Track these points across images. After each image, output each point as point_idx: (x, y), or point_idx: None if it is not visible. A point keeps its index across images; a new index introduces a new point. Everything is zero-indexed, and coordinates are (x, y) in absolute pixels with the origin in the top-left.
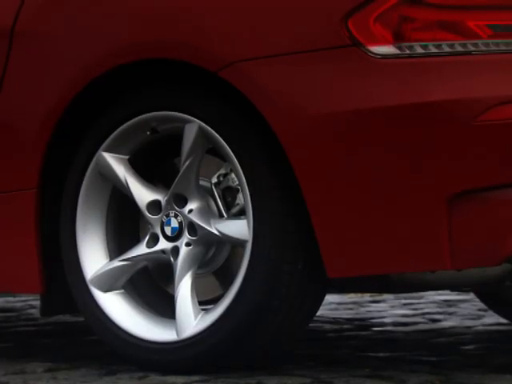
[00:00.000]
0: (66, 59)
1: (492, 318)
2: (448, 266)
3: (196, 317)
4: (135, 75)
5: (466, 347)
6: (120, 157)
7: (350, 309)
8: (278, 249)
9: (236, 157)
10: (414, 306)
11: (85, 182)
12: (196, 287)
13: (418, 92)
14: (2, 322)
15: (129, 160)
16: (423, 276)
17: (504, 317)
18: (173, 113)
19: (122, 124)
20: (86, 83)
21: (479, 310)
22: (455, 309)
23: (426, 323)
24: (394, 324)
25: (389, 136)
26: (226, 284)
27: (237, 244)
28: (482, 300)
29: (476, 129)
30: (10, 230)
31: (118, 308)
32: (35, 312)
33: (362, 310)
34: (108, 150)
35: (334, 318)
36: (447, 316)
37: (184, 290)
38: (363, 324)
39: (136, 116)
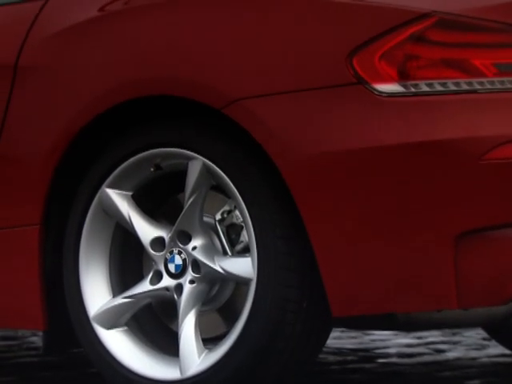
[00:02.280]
0: (70, 95)
1: (497, 349)
2: (455, 306)
3: (200, 355)
4: (139, 111)
5: (471, 382)
6: (123, 193)
7: (354, 337)
8: (283, 287)
9: (240, 194)
10: (418, 335)
11: (88, 219)
12: (200, 324)
13: (423, 130)
14: (3, 353)
15: (132, 196)
16: (429, 315)
17: (508, 347)
18: (177, 149)
19: (126, 160)
20: (90, 119)
21: (483, 339)
22: (459, 337)
23: (431, 354)
24: (399, 355)
25: (394, 175)
26: (230, 321)
27: (241, 282)
28: (486, 329)
29: (482, 167)
30: (12, 265)
31: (121, 345)
32: (37, 340)
33: (366, 338)
34: (111, 186)
35: (337, 349)
36: (452, 346)
37: (188, 327)
38: (367, 355)
39: (139, 152)
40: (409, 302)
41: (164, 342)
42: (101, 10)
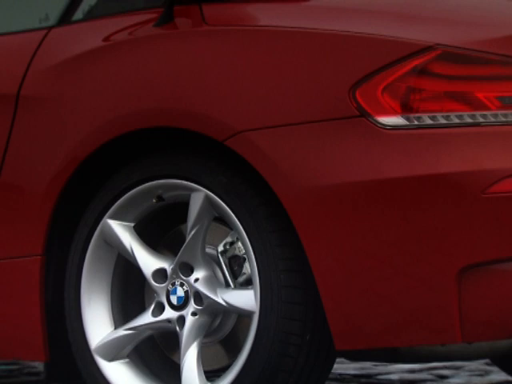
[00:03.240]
0: (71, 127)
1: (500, 375)
2: (459, 340)
3: None
4: (141, 142)
5: None
6: (125, 224)
7: (356, 362)
8: (286, 320)
9: (242, 226)
10: None
11: (90, 249)
12: (202, 356)
13: (426, 164)
14: (3, 378)
15: (134, 227)
16: (433, 348)
17: (510, 374)
18: (179, 181)
19: (128, 191)
20: (92, 150)
21: (487, 364)
22: (462, 363)
23: (434, 380)
24: (402, 382)
25: (397, 207)
26: (233, 353)
27: (243, 315)
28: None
29: (485, 201)
30: (14, 296)
31: (123, 377)
32: (38, 365)
33: (368, 363)
34: (113, 217)
35: (340, 375)
36: (455, 372)
37: (190, 359)
38: (370, 382)
39: (141, 184)
40: (412, 336)
41: (166, 374)
42: (103, 40)
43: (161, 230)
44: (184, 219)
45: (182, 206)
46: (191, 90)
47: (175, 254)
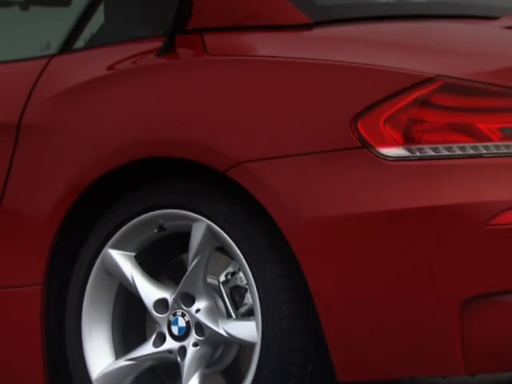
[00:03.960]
0: (73, 155)
1: None
2: (461, 372)
3: None
4: (142, 172)
5: None
6: (126, 254)
7: None
8: (287, 351)
9: (244, 257)
10: None
11: (91, 279)
12: None
13: (428, 195)
14: None
15: (135, 257)
16: (435, 380)
17: None
18: (180, 211)
19: (129, 221)
20: (93, 179)
21: None
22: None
23: None
24: None
25: (399, 239)
26: None
27: (245, 345)
28: None
29: (487, 233)
30: (14, 324)
31: None
32: None
33: None
34: (114, 247)
35: None
36: None
37: None
38: None
39: (143, 213)
40: (415, 368)
41: None
42: (104, 69)
43: (162, 260)
44: (185, 248)
45: (184, 236)
46: (193, 121)
47: (176, 284)
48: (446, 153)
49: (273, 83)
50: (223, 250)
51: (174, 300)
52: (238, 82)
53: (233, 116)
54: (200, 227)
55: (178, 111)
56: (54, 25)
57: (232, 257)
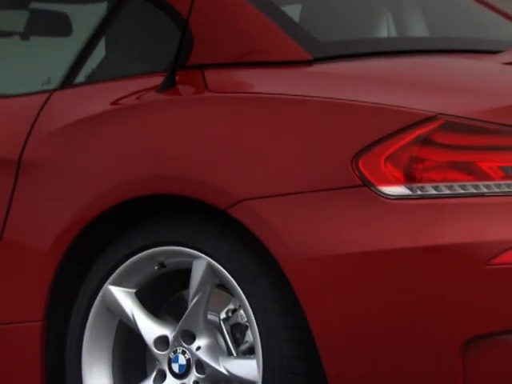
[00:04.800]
0: (73, 192)
1: None
2: None
3: None
4: (143, 209)
5: None
6: (127, 290)
7: None
8: None
9: (245, 295)
10: None
11: (91, 315)
12: None
13: (429, 234)
14: None
15: (136, 293)
16: None
17: None
18: (180, 248)
19: (130, 258)
20: (93, 216)
21: None
22: None
23: None
24: None
25: (400, 278)
26: None
27: None
28: None
29: (489, 272)
30: (14, 362)
31: None
32: None
33: None
34: (115, 284)
35: None
36: None
37: None
38: None
39: (143, 250)
40: None
41: None
42: (105, 106)
43: (163, 296)
44: (186, 284)
45: (184, 272)
46: (193, 158)
47: (177, 320)
48: (448, 191)
49: (273, 121)
50: (224, 286)
51: (175, 337)
52: (238, 120)
53: (234, 154)
54: (201, 265)
55: (179, 148)
56: (55, 57)
57: (233, 294)
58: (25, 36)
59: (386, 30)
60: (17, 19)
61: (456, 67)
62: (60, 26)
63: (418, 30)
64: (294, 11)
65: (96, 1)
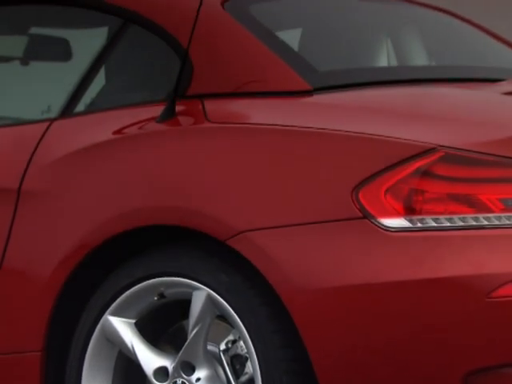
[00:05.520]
0: (72, 222)
1: None
2: None
3: None
4: (143, 239)
5: None
6: (126, 321)
7: None
8: None
9: (244, 326)
10: None
11: (91, 345)
12: None
13: (429, 267)
14: None
15: (135, 324)
16: None
17: None
18: (180, 279)
19: (129, 288)
20: (93, 246)
21: None
22: None
23: None
24: None
25: (400, 311)
26: None
27: None
28: None
29: (489, 305)
30: None
31: None
32: None
33: None
34: (114, 314)
35: None
36: None
37: None
38: None
39: (143, 281)
40: None
41: None
42: (105, 135)
43: (162, 326)
44: (186, 314)
45: (184, 302)
46: (193, 189)
47: (177, 350)
48: (448, 224)
49: (273, 152)
50: (224, 317)
51: (174, 368)
52: (238, 151)
53: (233, 185)
54: (200, 296)
55: (179, 179)
56: (54, 84)
57: (233, 325)
58: (24, 62)
59: (385, 58)
60: (16, 44)
61: (456, 98)
62: (60, 51)
63: (418, 56)
64: (293, 35)
65: (96, 26)
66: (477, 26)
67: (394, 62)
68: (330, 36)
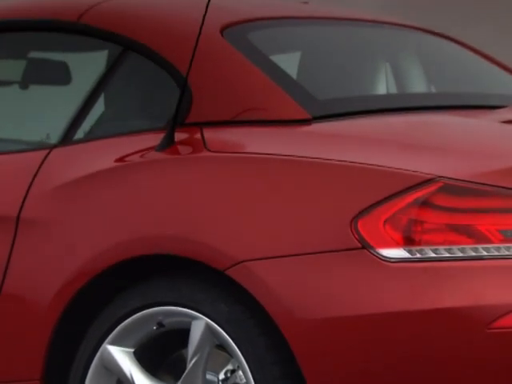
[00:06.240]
0: (71, 251)
1: None
2: None
3: None
4: (142, 268)
5: None
6: (125, 350)
7: None
8: None
9: (243, 356)
10: None
11: (89, 375)
12: None
13: (429, 298)
14: None
15: (134, 353)
16: None
17: None
18: (179, 308)
19: (128, 317)
20: (92, 275)
21: None
22: None
23: None
24: None
25: (400, 342)
26: None
27: None
28: None
29: (489, 336)
30: None
31: None
32: None
33: None
34: (113, 343)
35: None
36: None
37: None
38: None
39: (142, 310)
40: None
41: None
42: (104, 163)
43: (161, 355)
44: (185, 343)
45: (183, 331)
46: (192, 218)
47: (176, 379)
48: (447, 254)
49: (272, 182)
50: (223, 346)
51: None
52: (237, 180)
53: (233, 214)
54: (199, 325)
55: (179, 208)
56: (54, 110)
57: (231, 354)
58: (24, 86)
59: (384, 84)
60: (15, 69)
61: (455, 127)
62: (59, 75)
63: (418, 82)
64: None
65: (95, 53)
66: (476, 51)
67: (393, 88)
68: (329, 63)
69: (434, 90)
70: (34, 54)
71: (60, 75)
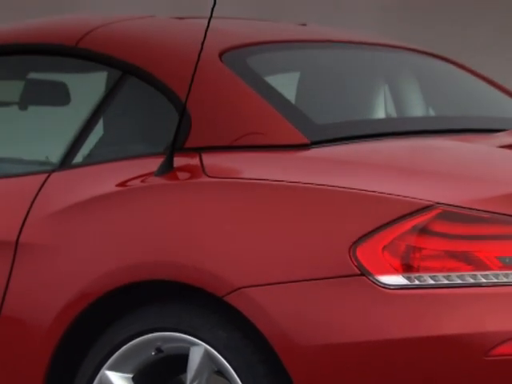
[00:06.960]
0: (70, 276)
1: None
2: None
3: None
4: (141, 294)
5: None
6: (124, 375)
7: None
8: None
9: (242, 383)
10: None
11: None
12: None
13: (427, 325)
14: None
15: (133, 378)
16: None
17: None
18: (178, 334)
19: (126, 343)
20: (91, 300)
21: None
22: None
23: None
24: None
25: (398, 369)
26: None
27: None
28: None
29: (488, 364)
30: None
31: None
32: None
33: None
34: (112, 369)
35: None
36: None
37: None
38: None
39: (140, 336)
40: None
41: None
42: (102, 189)
43: (160, 380)
44: (184, 369)
45: (182, 357)
46: (191, 244)
47: None
48: (445, 281)
49: (271, 208)
50: (222, 372)
51: None
52: (236, 206)
53: (231, 241)
54: (198, 351)
55: (177, 235)
56: (53, 133)
57: (230, 381)
58: (23, 107)
59: (383, 108)
60: (14, 89)
61: (454, 152)
62: (58, 96)
63: (417, 105)
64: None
65: (95, 77)
66: (475, 73)
67: (392, 111)
68: (328, 87)
69: (432, 113)
70: (33, 76)
71: (60, 97)
